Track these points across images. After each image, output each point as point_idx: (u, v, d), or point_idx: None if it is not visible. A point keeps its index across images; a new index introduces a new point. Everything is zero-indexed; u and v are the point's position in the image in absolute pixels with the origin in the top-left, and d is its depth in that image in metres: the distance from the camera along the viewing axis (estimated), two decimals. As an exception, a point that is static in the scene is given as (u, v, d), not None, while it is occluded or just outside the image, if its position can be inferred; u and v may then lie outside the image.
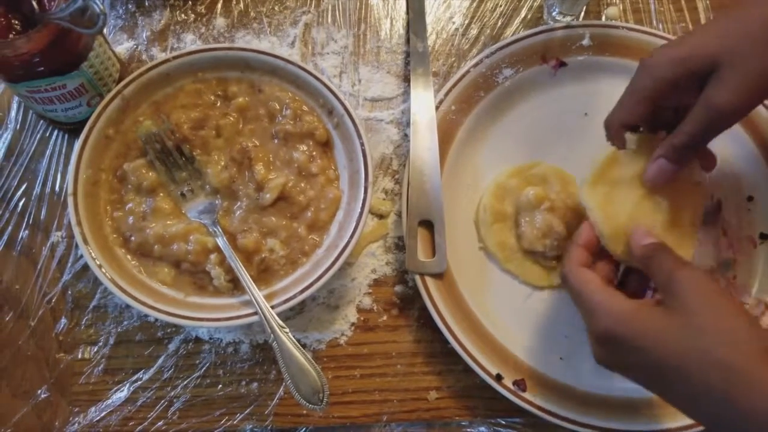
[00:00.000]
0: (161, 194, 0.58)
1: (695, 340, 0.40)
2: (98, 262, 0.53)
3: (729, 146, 0.62)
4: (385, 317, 0.59)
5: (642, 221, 0.50)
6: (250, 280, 0.53)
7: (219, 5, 0.69)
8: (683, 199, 0.52)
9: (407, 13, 0.69)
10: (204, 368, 0.58)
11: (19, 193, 0.62)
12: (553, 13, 0.66)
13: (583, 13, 0.67)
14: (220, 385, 0.57)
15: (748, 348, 0.39)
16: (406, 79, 0.66)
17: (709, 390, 0.39)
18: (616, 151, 0.52)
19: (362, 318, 0.59)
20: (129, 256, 0.56)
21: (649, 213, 0.51)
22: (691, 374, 0.40)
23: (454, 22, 0.68)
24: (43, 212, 0.62)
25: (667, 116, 0.52)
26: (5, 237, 0.61)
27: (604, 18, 0.68)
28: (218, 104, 0.60)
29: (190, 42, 0.67)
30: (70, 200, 0.55)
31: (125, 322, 0.59)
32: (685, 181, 0.52)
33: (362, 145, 0.56)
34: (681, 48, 0.48)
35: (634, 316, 0.43)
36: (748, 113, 0.48)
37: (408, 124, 0.62)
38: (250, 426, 0.56)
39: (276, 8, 0.69)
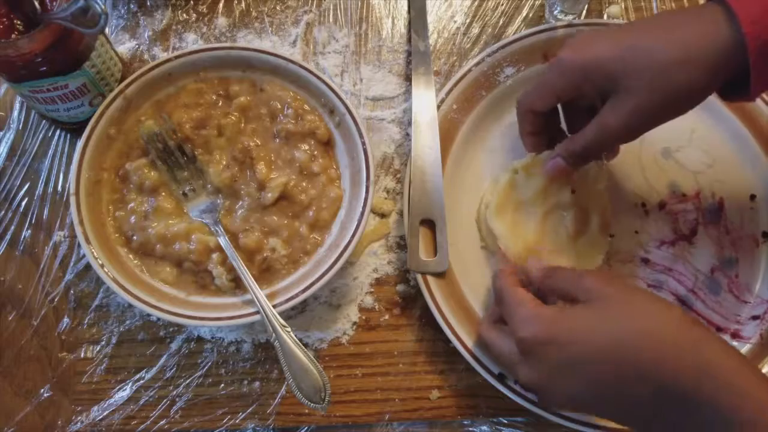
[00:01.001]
0: (163, 194, 0.58)
1: (622, 321, 0.42)
2: (100, 262, 0.54)
3: (732, 145, 0.62)
4: (386, 316, 0.59)
5: (550, 236, 0.55)
6: (252, 279, 0.53)
7: (221, 5, 0.69)
8: (590, 205, 0.57)
9: (409, 12, 0.69)
10: (206, 367, 0.58)
11: (22, 192, 0.62)
12: (555, 12, 0.66)
13: (584, 12, 0.67)
14: (222, 384, 0.57)
15: (670, 317, 0.42)
16: (408, 78, 0.66)
17: (640, 364, 0.40)
18: (513, 175, 0.57)
19: (364, 317, 0.59)
20: (131, 256, 0.56)
21: (555, 226, 0.56)
22: (626, 354, 0.41)
23: (455, 21, 0.68)
24: (46, 212, 0.62)
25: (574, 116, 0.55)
26: (8, 236, 0.61)
27: (605, 16, 0.68)
28: (220, 104, 0.60)
29: (191, 41, 0.67)
30: (72, 200, 0.55)
31: (127, 322, 0.59)
32: (590, 188, 0.57)
33: (364, 144, 0.56)
34: (587, 55, 0.48)
35: (559, 317, 0.44)
36: (642, 134, 0.50)
37: (409, 123, 0.62)
38: (252, 425, 0.56)
39: (277, 8, 0.69)
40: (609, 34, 0.49)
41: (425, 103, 0.61)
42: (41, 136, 0.64)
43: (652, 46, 0.46)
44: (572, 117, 0.56)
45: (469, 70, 0.62)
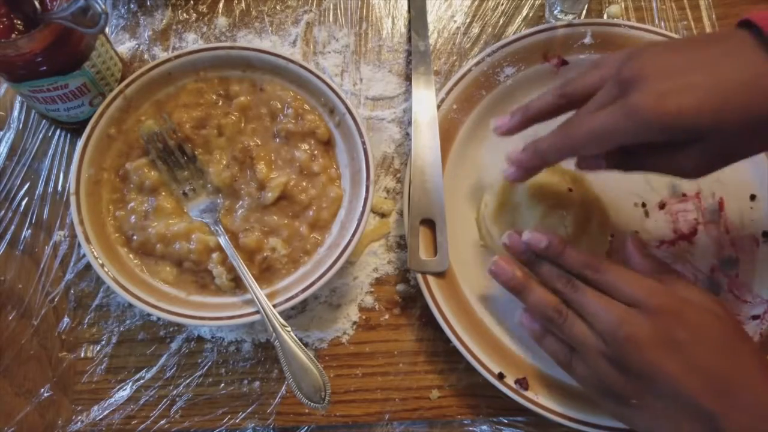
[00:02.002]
0: (163, 193, 0.58)
1: None
2: (100, 261, 0.54)
3: (731, 144, 0.62)
4: (387, 316, 0.59)
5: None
6: (252, 279, 0.53)
7: (221, 4, 0.69)
8: (589, 205, 0.57)
9: (409, 11, 0.69)
10: (206, 367, 0.58)
11: (22, 192, 0.62)
12: (555, 12, 0.66)
13: (584, 11, 0.67)
14: (223, 384, 0.57)
15: None
16: (408, 78, 0.66)
17: None
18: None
19: (364, 317, 0.59)
20: (131, 255, 0.56)
21: (554, 227, 0.55)
22: None
23: (455, 21, 0.68)
24: (46, 211, 0.62)
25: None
26: (8, 236, 0.61)
27: (605, 16, 0.68)
28: (220, 103, 0.60)
29: (191, 41, 0.67)
30: (72, 199, 0.55)
31: (127, 321, 0.59)
32: (586, 196, 0.57)
33: (364, 144, 0.56)
34: (671, 108, 0.41)
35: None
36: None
37: (409, 122, 0.62)
38: (253, 424, 0.56)
39: (277, 7, 0.69)
40: (684, 69, 0.42)
41: (425, 102, 0.61)
42: (41, 135, 0.64)
43: (745, 81, 0.41)
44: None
45: (469, 70, 0.62)
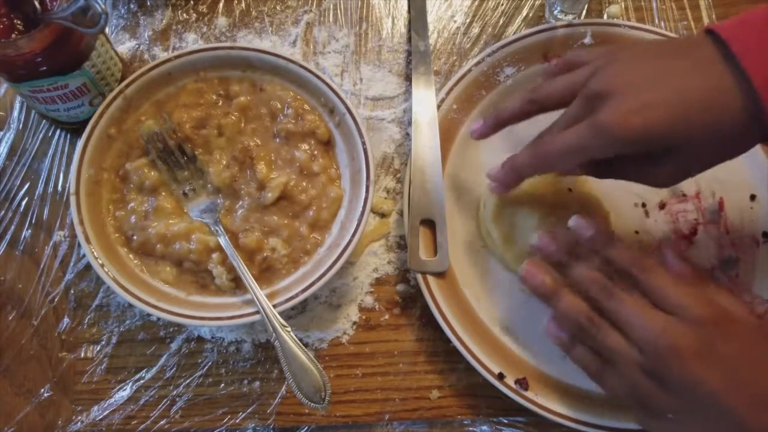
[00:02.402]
0: (163, 193, 0.58)
1: None
2: (100, 261, 0.54)
3: (731, 144, 0.62)
4: (387, 316, 0.59)
5: None
6: (252, 279, 0.53)
7: (221, 5, 0.69)
8: (589, 205, 0.57)
9: (409, 11, 0.69)
10: (206, 367, 0.58)
11: (22, 192, 0.62)
12: (555, 12, 0.66)
13: (584, 12, 0.67)
14: (223, 384, 0.57)
15: None
16: (408, 78, 0.66)
17: None
18: None
19: (364, 317, 0.59)
20: (131, 255, 0.56)
21: (554, 227, 0.55)
22: None
23: (455, 21, 0.68)
24: (46, 212, 0.62)
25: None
26: (8, 236, 0.61)
27: (605, 16, 0.68)
28: (220, 103, 0.60)
29: (191, 41, 0.67)
30: (72, 199, 0.55)
31: (127, 321, 0.59)
32: (586, 196, 0.57)
33: (364, 144, 0.56)
34: (637, 125, 0.42)
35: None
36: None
37: (409, 123, 0.62)
38: (253, 425, 0.56)
39: (277, 7, 0.69)
40: (650, 83, 0.43)
41: (425, 102, 0.61)
42: (41, 135, 0.64)
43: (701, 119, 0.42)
44: None
45: (469, 70, 0.62)
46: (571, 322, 0.47)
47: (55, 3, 0.52)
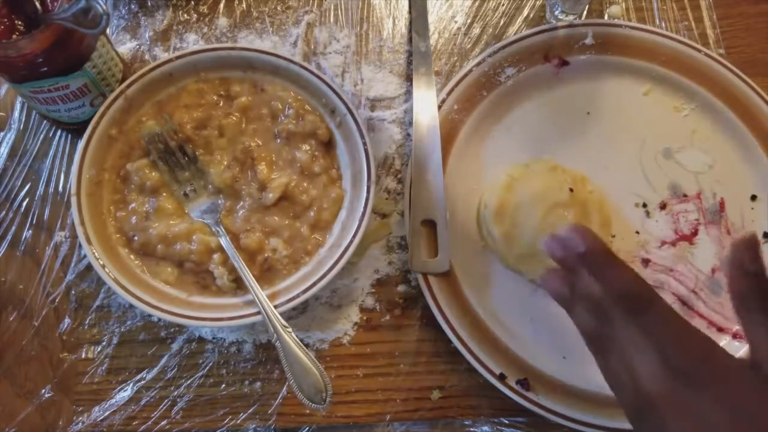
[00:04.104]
0: (164, 194, 0.58)
1: None
2: (101, 262, 0.54)
3: (732, 145, 0.62)
4: (388, 317, 0.59)
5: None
6: (253, 279, 0.53)
7: (221, 5, 0.69)
8: (589, 205, 0.57)
9: (409, 12, 0.69)
10: (207, 368, 0.58)
11: (23, 193, 0.62)
12: (556, 12, 0.66)
13: (585, 12, 0.67)
14: (224, 385, 0.57)
15: None
16: (409, 79, 0.66)
17: None
18: (510, 176, 0.58)
19: (365, 317, 0.59)
20: (132, 256, 0.56)
21: (555, 227, 0.55)
22: None
23: (456, 22, 0.68)
24: (47, 212, 0.62)
25: None
26: (9, 237, 0.61)
27: (606, 16, 0.68)
28: (221, 104, 0.60)
29: (192, 42, 0.67)
30: (73, 200, 0.55)
31: (128, 322, 0.59)
32: (587, 196, 0.58)
33: (365, 144, 0.56)
34: None
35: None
36: None
37: (410, 123, 0.62)
38: (254, 425, 0.56)
39: (278, 8, 0.69)
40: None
41: (426, 103, 0.61)
42: (42, 136, 0.64)
43: None
44: None
45: (470, 71, 0.62)
46: (583, 337, 0.44)
47: (56, 4, 0.52)
